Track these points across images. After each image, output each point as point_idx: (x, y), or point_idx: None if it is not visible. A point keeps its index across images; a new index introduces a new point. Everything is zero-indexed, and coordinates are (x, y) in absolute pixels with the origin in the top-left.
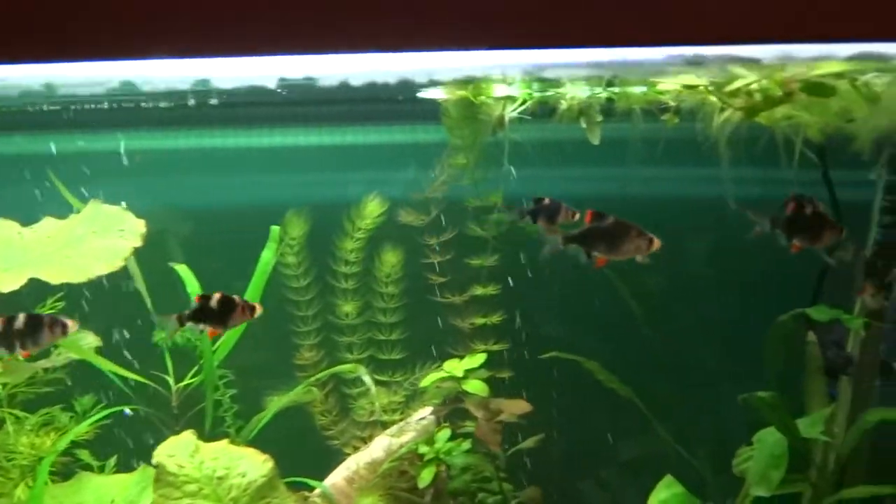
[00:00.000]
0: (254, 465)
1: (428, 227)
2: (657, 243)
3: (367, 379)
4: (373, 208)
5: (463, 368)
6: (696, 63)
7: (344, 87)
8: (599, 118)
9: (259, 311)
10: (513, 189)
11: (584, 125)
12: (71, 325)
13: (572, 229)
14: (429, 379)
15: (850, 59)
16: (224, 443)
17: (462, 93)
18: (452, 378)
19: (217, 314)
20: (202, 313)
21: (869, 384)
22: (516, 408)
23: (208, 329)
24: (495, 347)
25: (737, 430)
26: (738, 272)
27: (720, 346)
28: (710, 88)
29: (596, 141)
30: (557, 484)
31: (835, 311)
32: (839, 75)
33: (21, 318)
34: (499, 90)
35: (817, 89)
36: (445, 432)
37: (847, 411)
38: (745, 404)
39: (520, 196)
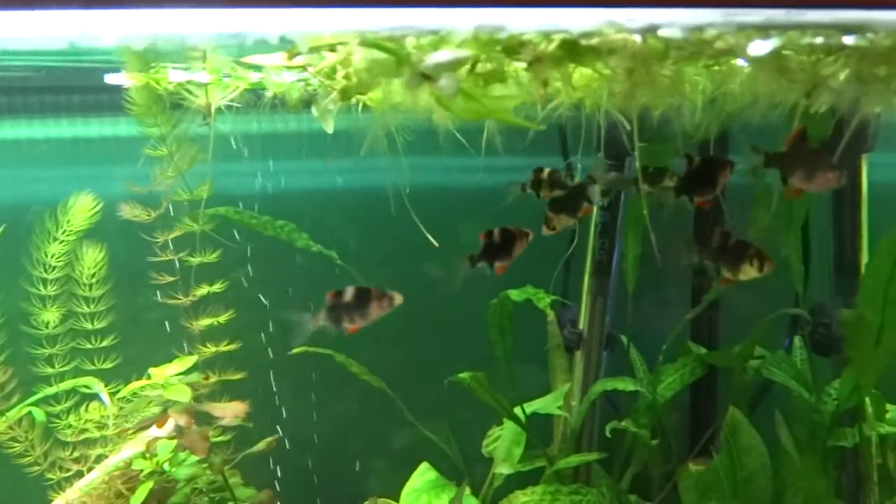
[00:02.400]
0: None
1: (153, 223)
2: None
3: (102, 393)
4: (82, 207)
5: (168, 374)
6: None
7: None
8: (332, 106)
9: (530, 236)
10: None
11: (315, 113)
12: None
13: None
14: (131, 387)
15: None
16: None
17: (146, 78)
18: (156, 386)
19: (502, 247)
20: (490, 250)
21: (598, 356)
22: (231, 410)
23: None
24: (228, 348)
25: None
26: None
27: (473, 330)
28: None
29: (330, 129)
30: (318, 481)
31: (531, 291)
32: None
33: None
34: (181, 75)
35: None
36: (169, 443)
37: (581, 384)
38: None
39: (230, 191)
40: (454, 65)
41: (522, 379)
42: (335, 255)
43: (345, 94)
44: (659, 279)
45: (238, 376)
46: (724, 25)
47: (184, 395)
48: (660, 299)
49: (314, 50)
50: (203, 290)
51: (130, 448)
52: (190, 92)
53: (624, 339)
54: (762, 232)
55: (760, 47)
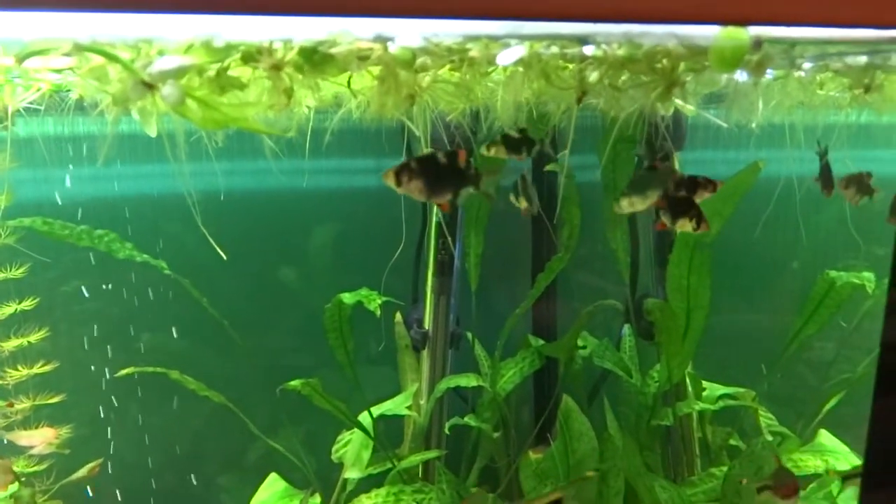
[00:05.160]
0: None
1: None
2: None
3: None
4: None
5: None
6: None
7: None
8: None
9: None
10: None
11: (136, 116)
12: None
13: None
14: None
15: None
16: None
17: None
18: None
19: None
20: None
21: (443, 355)
22: (40, 437)
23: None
24: (44, 369)
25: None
26: (323, 264)
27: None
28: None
29: (153, 133)
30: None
31: (364, 293)
32: None
33: None
34: None
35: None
36: None
37: (428, 383)
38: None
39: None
40: (178, 72)
41: (377, 381)
42: (164, 265)
43: (118, 99)
44: (503, 276)
45: (55, 399)
46: (453, 36)
47: None
48: (504, 296)
49: (27, 56)
50: (10, 309)
51: None
52: None
53: (469, 336)
54: (575, 228)
55: (505, 57)
